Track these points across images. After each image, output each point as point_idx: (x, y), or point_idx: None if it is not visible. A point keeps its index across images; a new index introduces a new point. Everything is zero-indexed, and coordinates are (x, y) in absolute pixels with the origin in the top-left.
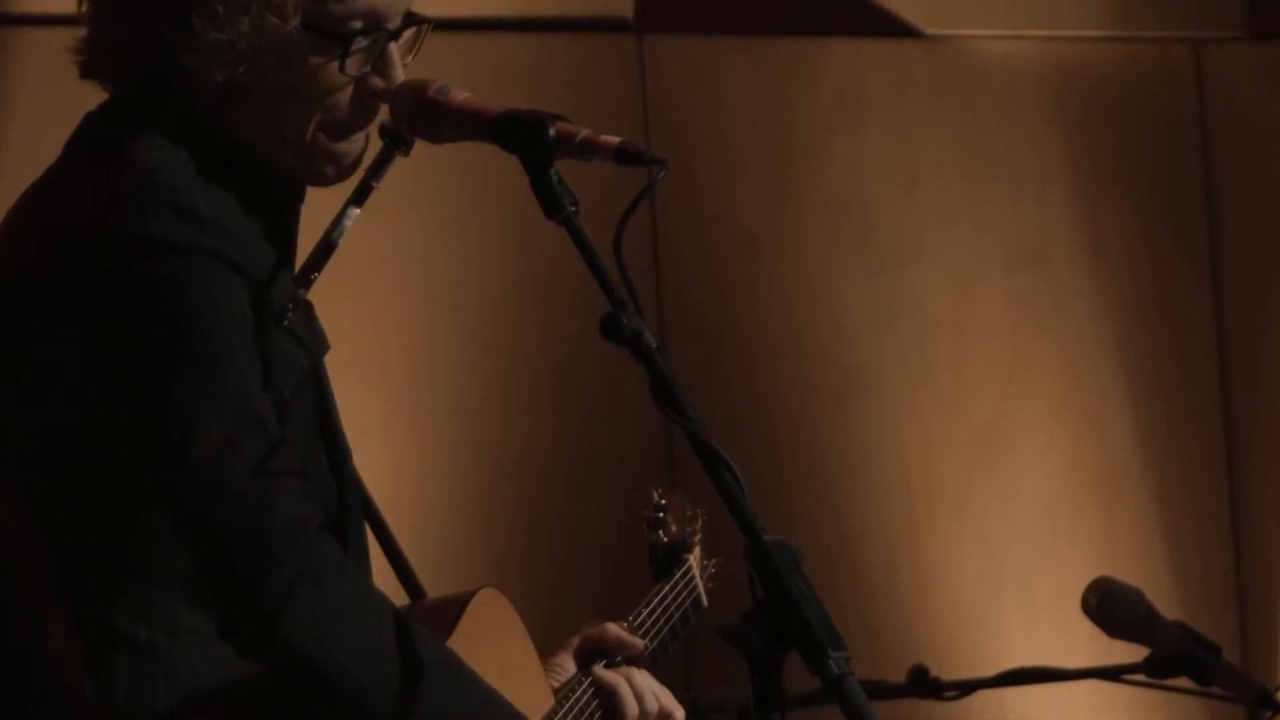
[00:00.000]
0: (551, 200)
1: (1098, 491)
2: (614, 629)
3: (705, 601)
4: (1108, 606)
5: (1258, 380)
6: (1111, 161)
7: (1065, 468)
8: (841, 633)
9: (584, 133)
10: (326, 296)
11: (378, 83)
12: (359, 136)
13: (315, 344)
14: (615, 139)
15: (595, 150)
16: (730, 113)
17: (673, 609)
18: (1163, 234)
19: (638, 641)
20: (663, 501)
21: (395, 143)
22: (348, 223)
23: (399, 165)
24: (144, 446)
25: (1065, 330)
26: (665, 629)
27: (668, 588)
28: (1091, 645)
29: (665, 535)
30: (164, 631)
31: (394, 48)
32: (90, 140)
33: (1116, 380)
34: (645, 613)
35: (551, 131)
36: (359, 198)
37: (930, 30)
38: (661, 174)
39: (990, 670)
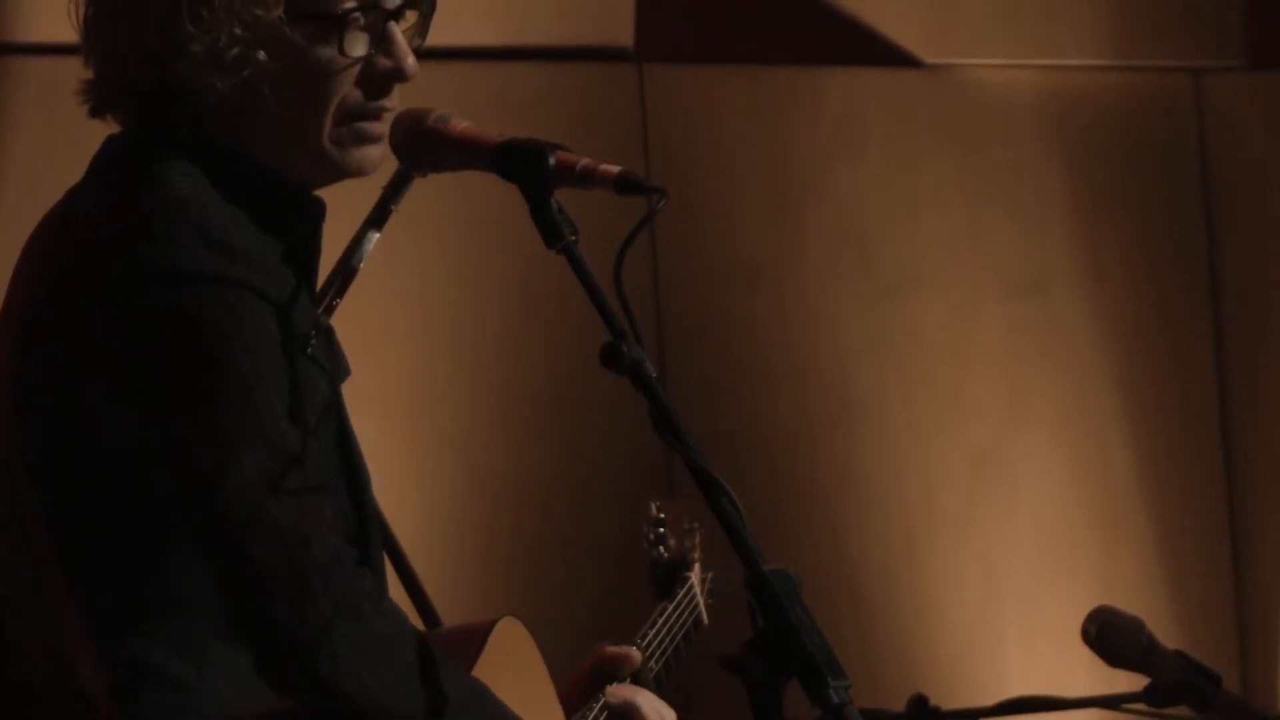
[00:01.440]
0: (551, 229)
1: (1098, 519)
2: (609, 648)
3: (706, 619)
4: (1108, 636)
5: (1257, 407)
6: (1111, 190)
7: (1065, 495)
8: (841, 661)
9: (584, 162)
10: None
11: (385, 62)
12: (385, 117)
13: (336, 370)
14: (615, 168)
15: (595, 179)
16: (730, 142)
17: (676, 628)
18: (1162, 262)
19: (632, 651)
20: (661, 515)
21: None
22: (368, 247)
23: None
24: (177, 480)
25: (1065, 358)
26: (670, 649)
27: (671, 607)
28: (1092, 673)
29: (666, 551)
30: (194, 665)
31: (396, 28)
32: (117, 165)
33: (1116, 407)
34: (650, 634)
35: (551, 161)
36: (378, 222)
37: (930, 60)
38: (661, 203)
39: (990, 699)
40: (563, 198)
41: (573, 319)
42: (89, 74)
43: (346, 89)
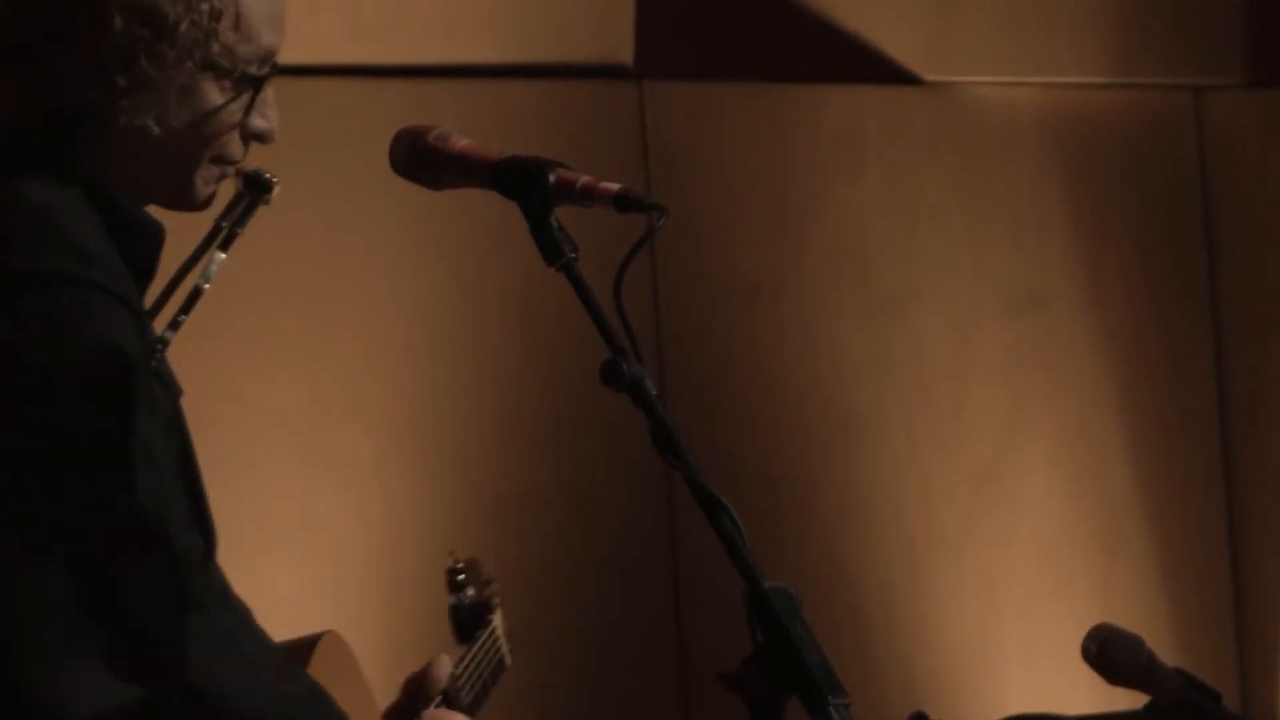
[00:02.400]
0: (551, 247)
1: (1098, 536)
2: (414, 674)
3: (509, 661)
4: (1108, 654)
5: (1258, 425)
6: (1111, 207)
7: (1065, 512)
8: (841, 678)
9: (584, 179)
10: (326, 341)
11: (259, 123)
12: (226, 174)
13: (175, 388)
14: (615, 185)
15: (595, 197)
16: (730, 159)
17: (483, 667)
18: (1163, 279)
19: (437, 672)
20: (460, 565)
21: (255, 189)
22: (214, 268)
23: (404, 210)
24: (29, 473)
25: (1065, 374)
26: (478, 687)
27: (476, 647)
28: (1091, 690)
29: (466, 597)
30: (50, 662)
31: (271, 91)
32: None
33: (1116, 424)
34: (458, 671)
35: (551, 178)
36: (225, 244)
37: (930, 77)
38: (661, 220)
39: (990, 716)
40: (563, 215)
41: (572, 336)
42: None
43: (228, 141)
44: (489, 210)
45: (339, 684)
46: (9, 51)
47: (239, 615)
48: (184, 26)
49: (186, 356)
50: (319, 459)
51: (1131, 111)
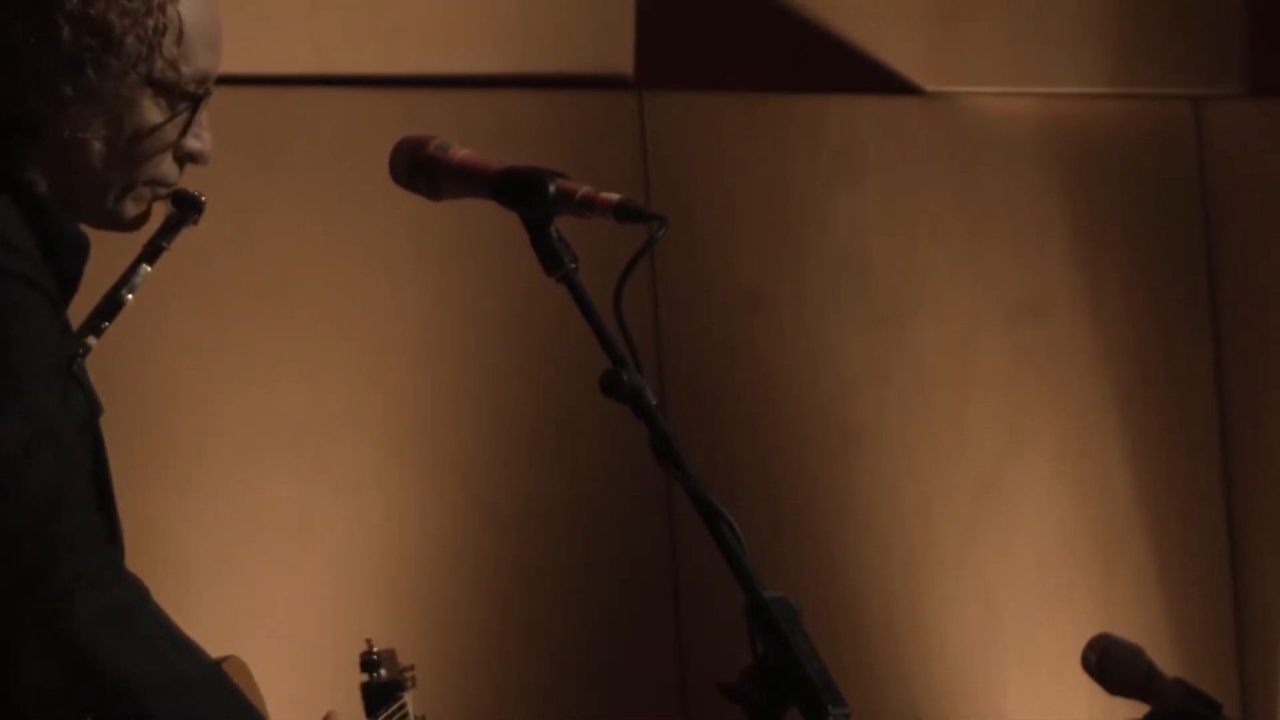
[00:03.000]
0: (551, 257)
1: (1098, 546)
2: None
3: None
4: (1108, 664)
5: (1258, 435)
6: (1111, 217)
7: (1065, 522)
8: (841, 689)
9: (584, 189)
10: (325, 350)
11: (194, 144)
12: (162, 191)
13: (94, 398)
14: (615, 196)
15: (595, 207)
16: (730, 169)
17: None
18: (1163, 289)
19: None
20: (375, 650)
21: (185, 207)
22: (139, 280)
23: (404, 220)
24: None
25: (1065, 385)
26: None
27: (383, 716)
28: (1091, 701)
29: (380, 676)
30: None
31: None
32: None
33: (1117, 435)
34: None
35: (551, 189)
36: (150, 257)
37: (930, 87)
38: (661, 230)
39: None
40: (563, 225)
41: (573, 346)
42: None
43: (163, 159)
44: (489, 220)
45: None
46: None
47: (136, 590)
48: (130, 39)
49: (185, 367)
50: (319, 468)
51: (1131, 122)
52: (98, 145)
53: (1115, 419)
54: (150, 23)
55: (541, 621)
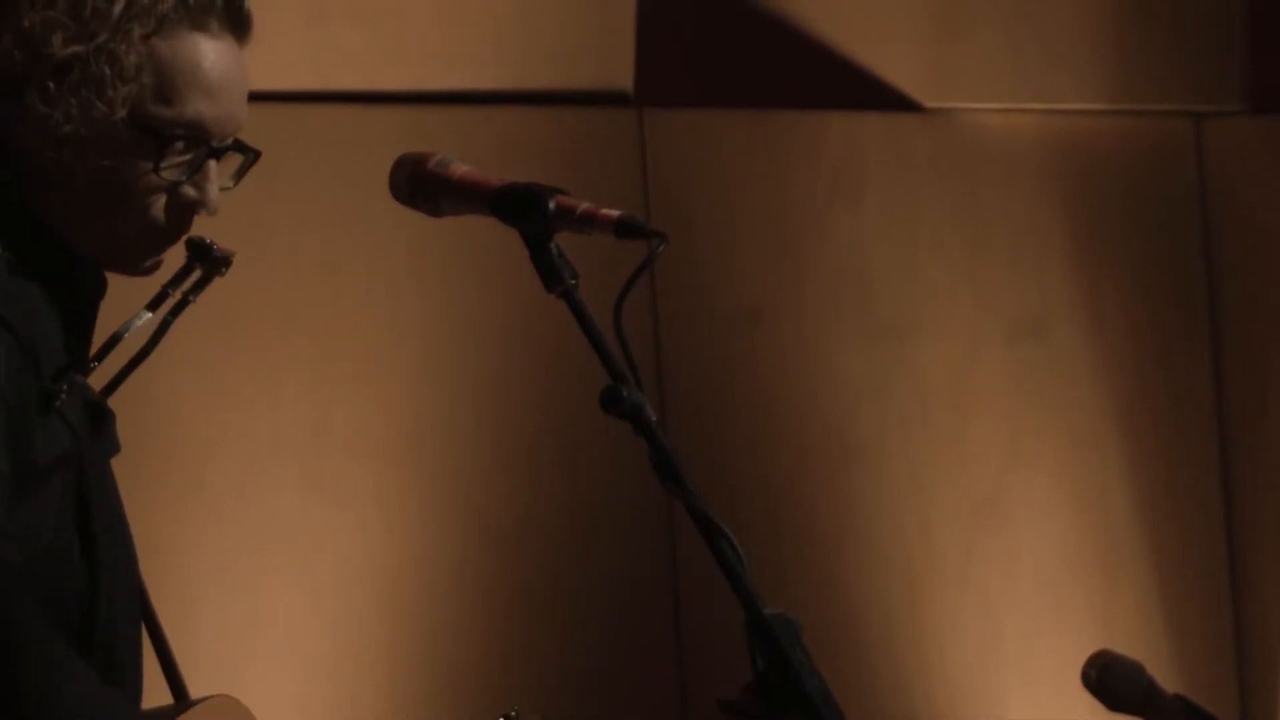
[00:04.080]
0: (551, 273)
1: (1098, 563)
2: None
3: None
4: (1108, 680)
5: (1258, 453)
6: (1112, 234)
7: (1065, 539)
8: (842, 705)
9: (584, 206)
10: (326, 367)
11: (189, 193)
12: (164, 243)
13: (90, 437)
14: (615, 212)
15: (595, 223)
16: (730, 186)
17: None
18: (1163, 306)
19: None
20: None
21: (199, 259)
22: (138, 323)
23: (404, 237)
24: None
25: (1065, 402)
26: None
27: None
28: (1091, 717)
29: None
30: None
31: (214, 165)
32: None
33: (1117, 452)
34: None
35: (551, 205)
36: (154, 303)
37: (930, 104)
38: (661, 247)
39: None
40: (563, 241)
41: (573, 363)
42: None
43: (152, 206)
44: (489, 237)
45: None
46: None
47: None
48: (76, 65)
49: (187, 382)
50: (319, 485)
51: (1132, 138)
52: (81, 176)
53: (1115, 435)
54: (106, 51)
55: (542, 636)
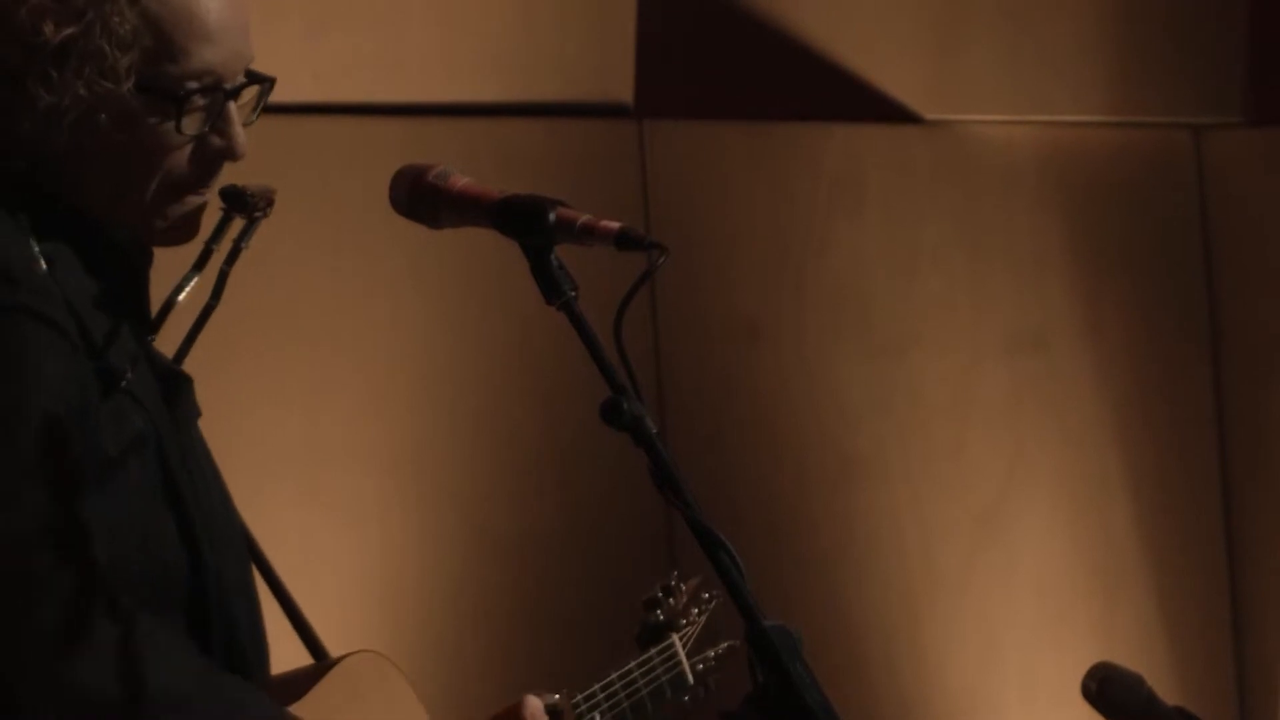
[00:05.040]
0: (551, 285)
1: (1098, 577)
2: (532, 704)
3: (690, 679)
4: (1108, 692)
5: (1258, 466)
6: (1111, 246)
7: (1066, 553)
8: (842, 717)
9: (584, 218)
10: (325, 380)
11: (216, 141)
12: (197, 197)
13: (165, 407)
14: (615, 224)
15: (595, 235)
16: (730, 198)
17: (640, 684)
18: (1163, 318)
19: (522, 712)
20: (671, 584)
21: (235, 207)
22: (188, 287)
23: (404, 249)
24: None
25: (1066, 415)
26: (626, 704)
27: (634, 664)
28: None
29: (658, 615)
30: None
31: (234, 107)
32: None
33: (1117, 465)
34: (597, 687)
35: (552, 217)
36: (199, 263)
37: (930, 116)
38: (661, 259)
39: None
40: (563, 253)
41: (573, 375)
42: None
43: (178, 163)
44: (489, 249)
45: (375, 701)
46: None
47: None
48: (73, 49)
49: None
50: (319, 498)
51: (1131, 150)
52: (102, 153)
53: (1115, 448)
54: (99, 26)
55: (542, 648)
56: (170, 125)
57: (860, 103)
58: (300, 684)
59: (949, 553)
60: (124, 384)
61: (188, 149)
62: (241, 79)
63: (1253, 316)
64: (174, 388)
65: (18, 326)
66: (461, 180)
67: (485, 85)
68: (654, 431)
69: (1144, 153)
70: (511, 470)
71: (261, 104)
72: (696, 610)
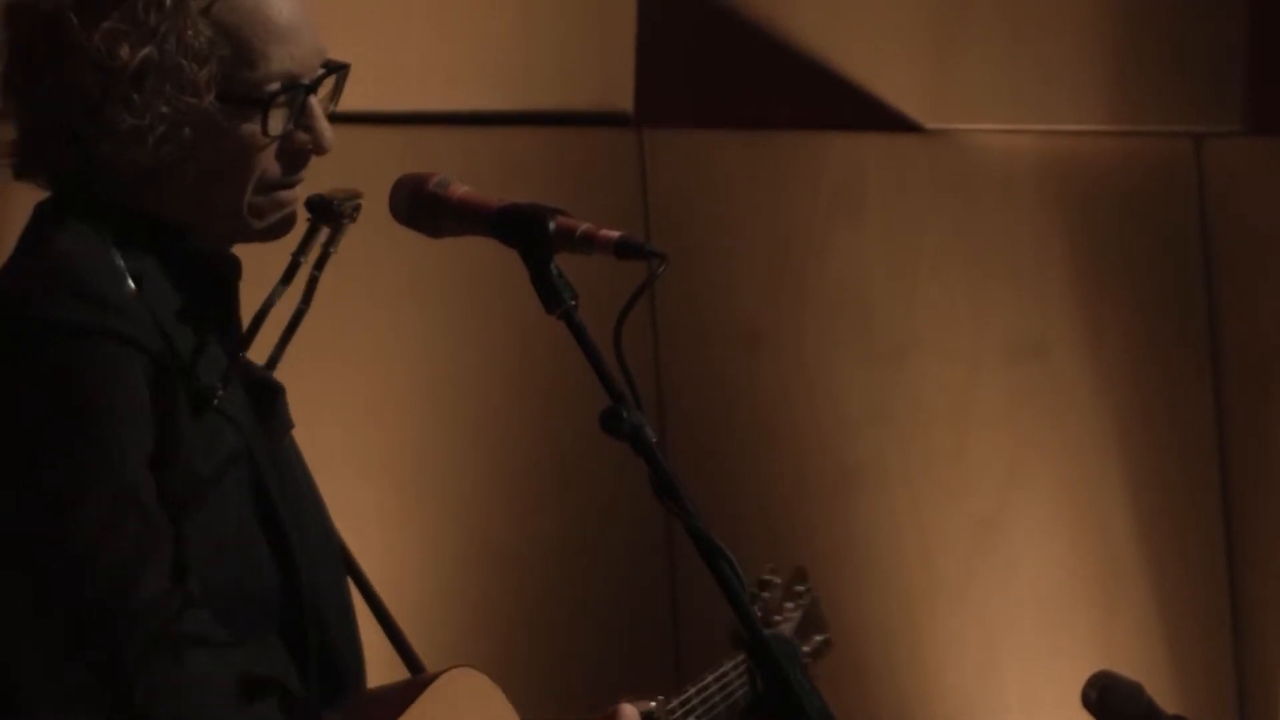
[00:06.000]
0: (551, 294)
1: (1098, 584)
2: (626, 713)
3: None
4: (1108, 701)
5: (1258, 473)
6: (1111, 254)
7: (1065, 560)
8: None
9: (584, 226)
10: (325, 390)
11: (302, 137)
12: (289, 192)
13: (259, 423)
14: (615, 233)
15: (595, 244)
16: (730, 206)
17: (733, 685)
18: (1163, 326)
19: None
20: (766, 578)
21: (322, 217)
22: (276, 300)
23: (404, 257)
24: (20, 533)
25: (1065, 422)
26: (721, 707)
27: (729, 665)
28: None
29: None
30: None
31: (315, 101)
32: (31, 230)
33: (1117, 472)
34: (692, 691)
35: (551, 225)
36: (287, 276)
37: (930, 124)
38: (662, 268)
39: None
40: (563, 262)
41: (573, 383)
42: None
43: (266, 163)
44: (489, 258)
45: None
46: (37, 112)
47: (215, 659)
48: (150, 69)
49: None
50: None
51: (1132, 159)
52: (190, 168)
53: (1115, 456)
54: (174, 42)
55: (542, 658)
56: (255, 129)
57: (860, 111)
58: (394, 702)
59: (949, 559)
60: (215, 402)
61: (273, 148)
62: (320, 71)
63: (1252, 324)
64: (266, 399)
65: (104, 351)
66: (461, 189)
67: (485, 94)
68: (653, 440)
69: (1144, 161)
70: (511, 479)
71: (339, 91)
72: (791, 604)
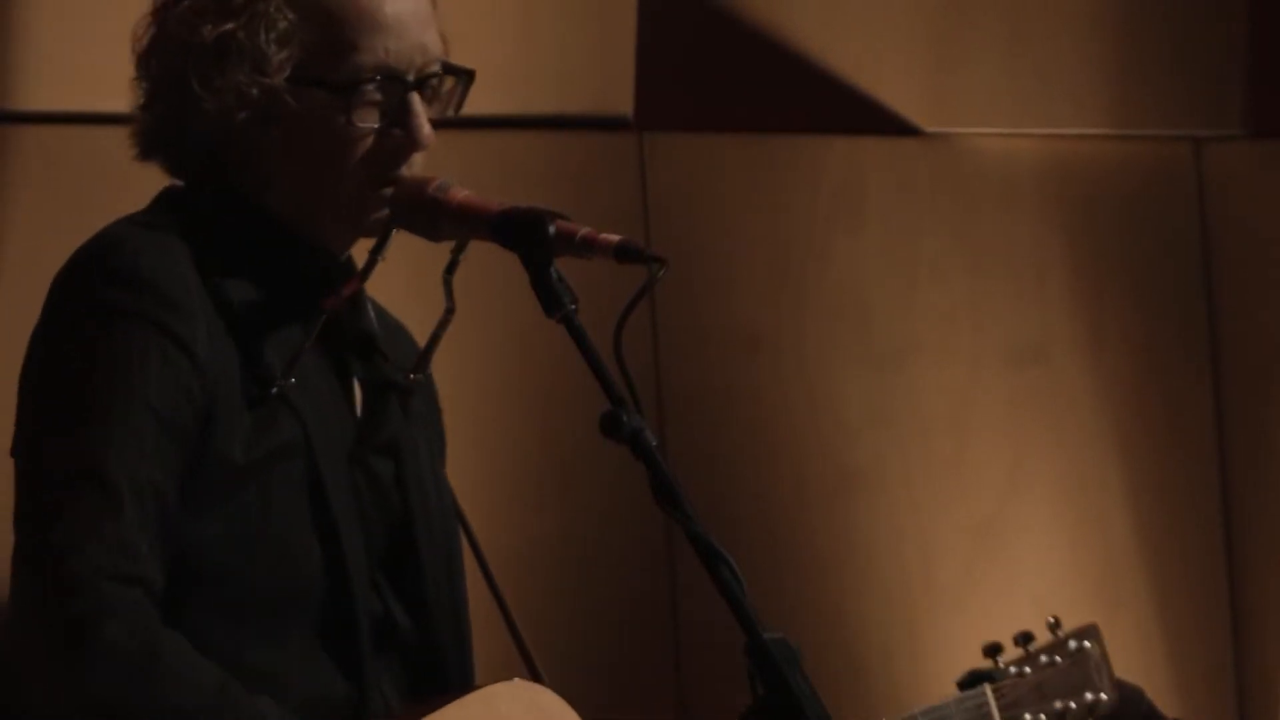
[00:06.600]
0: (551, 298)
1: (1098, 589)
2: None
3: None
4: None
5: (1258, 478)
6: (1111, 259)
7: (1065, 565)
8: None
9: (584, 230)
10: None
11: (397, 134)
12: (383, 197)
13: (365, 422)
14: (615, 237)
15: (595, 248)
16: (730, 210)
17: None
18: (1163, 331)
19: None
20: (1025, 633)
21: (395, 218)
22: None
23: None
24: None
25: (1065, 427)
26: None
27: (939, 704)
28: None
29: (995, 661)
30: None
31: (417, 98)
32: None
33: (1117, 477)
34: None
35: (552, 229)
36: (363, 274)
37: (930, 128)
38: (661, 272)
39: None
40: (563, 266)
41: (572, 387)
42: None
43: (358, 154)
44: (489, 261)
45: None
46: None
47: (146, 629)
48: (232, 50)
49: None
50: None
51: (1132, 163)
52: (286, 156)
53: (1115, 460)
54: (256, 25)
55: (541, 660)
56: (343, 120)
57: (860, 115)
58: (439, 703)
59: (948, 564)
60: (276, 390)
61: (369, 141)
62: (434, 68)
63: (1253, 328)
64: (382, 398)
65: (135, 331)
66: (461, 193)
67: (485, 98)
68: (653, 444)
69: (1144, 165)
70: (511, 482)
71: (463, 98)
72: (1046, 658)
